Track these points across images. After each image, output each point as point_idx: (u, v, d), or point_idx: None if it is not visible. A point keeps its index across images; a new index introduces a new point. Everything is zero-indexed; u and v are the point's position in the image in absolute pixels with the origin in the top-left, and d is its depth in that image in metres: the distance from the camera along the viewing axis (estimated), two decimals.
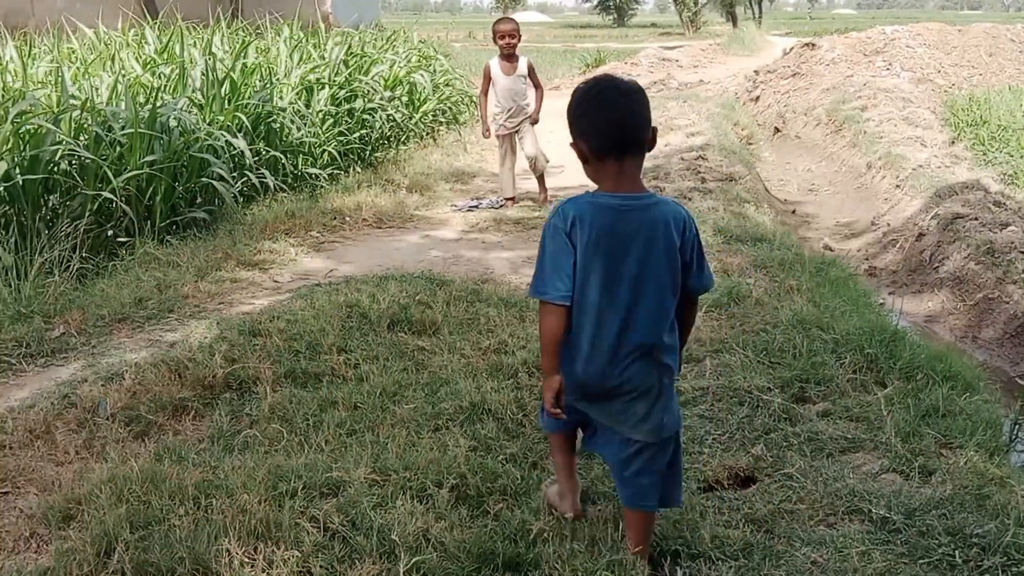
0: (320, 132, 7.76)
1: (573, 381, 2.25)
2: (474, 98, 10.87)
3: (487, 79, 6.89)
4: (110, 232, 5.51)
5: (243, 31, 9.60)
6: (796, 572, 2.34)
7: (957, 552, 2.38)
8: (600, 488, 2.74)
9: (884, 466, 2.87)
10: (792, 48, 16.49)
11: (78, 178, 5.44)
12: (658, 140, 2.31)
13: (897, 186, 8.51)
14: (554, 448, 2.62)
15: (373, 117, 8.74)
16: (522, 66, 6.83)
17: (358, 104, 8.58)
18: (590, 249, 2.17)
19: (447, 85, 11.38)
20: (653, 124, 2.23)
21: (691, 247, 2.24)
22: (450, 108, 11.17)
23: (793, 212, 9.03)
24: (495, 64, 6.84)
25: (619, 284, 2.18)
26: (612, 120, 2.19)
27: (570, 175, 7.34)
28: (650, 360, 2.22)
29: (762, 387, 3.44)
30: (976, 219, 6.73)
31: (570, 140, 2.26)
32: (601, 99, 2.21)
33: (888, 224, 7.88)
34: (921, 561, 2.36)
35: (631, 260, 2.18)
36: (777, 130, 12.90)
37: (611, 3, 61.56)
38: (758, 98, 14.73)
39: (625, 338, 2.20)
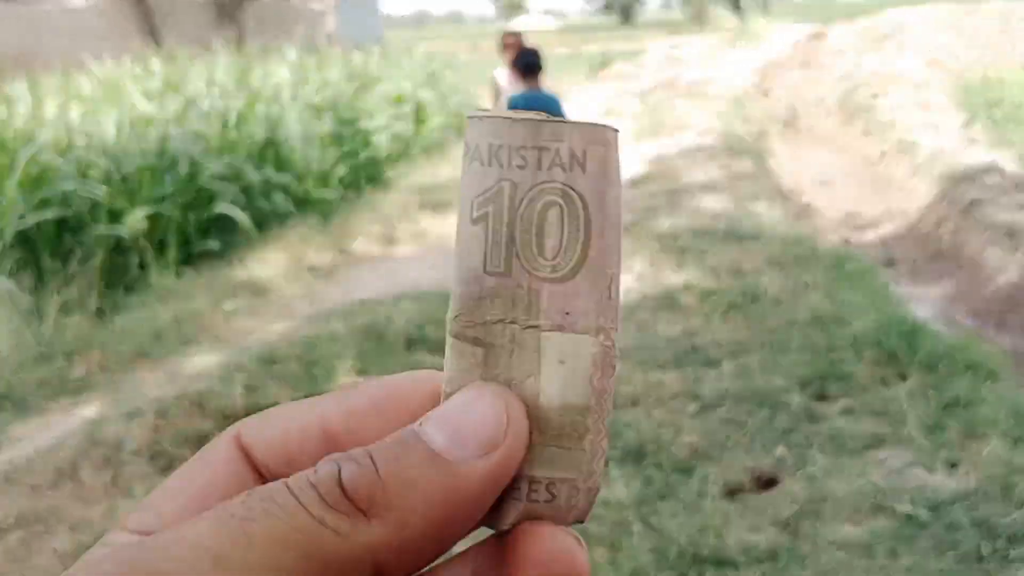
0: (328, 154, 7.80)
1: None
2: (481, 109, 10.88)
3: (495, 90, 6.77)
4: (125, 268, 5.57)
5: (247, 56, 9.67)
6: (823, 573, 2.32)
7: (983, 544, 2.36)
8: None
9: (908, 460, 2.85)
10: (800, 39, 16.42)
11: (89, 217, 5.50)
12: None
13: (913, 173, 8.44)
14: None
15: (380, 135, 8.78)
16: None
17: (364, 123, 8.62)
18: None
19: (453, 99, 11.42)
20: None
21: (559, 111, 4.89)
22: (458, 120, 11.20)
23: (808, 206, 8.97)
24: (501, 75, 6.79)
25: None
26: (526, 63, 5.37)
27: None
28: None
29: (781, 387, 3.42)
30: (995, 202, 6.66)
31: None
32: (523, 54, 5.46)
33: (905, 212, 7.82)
34: (948, 555, 2.34)
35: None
36: (788, 123, 12.84)
37: (615, 3, 61.58)
38: (768, 91, 14.67)
39: None
